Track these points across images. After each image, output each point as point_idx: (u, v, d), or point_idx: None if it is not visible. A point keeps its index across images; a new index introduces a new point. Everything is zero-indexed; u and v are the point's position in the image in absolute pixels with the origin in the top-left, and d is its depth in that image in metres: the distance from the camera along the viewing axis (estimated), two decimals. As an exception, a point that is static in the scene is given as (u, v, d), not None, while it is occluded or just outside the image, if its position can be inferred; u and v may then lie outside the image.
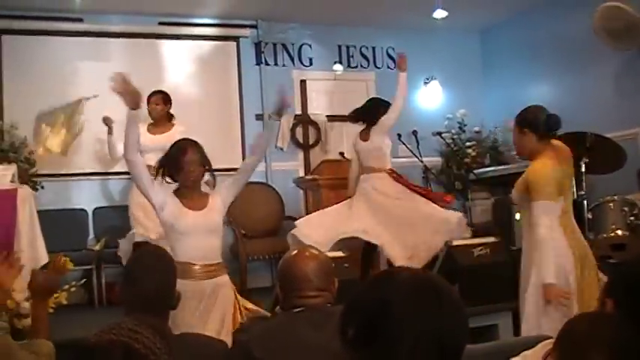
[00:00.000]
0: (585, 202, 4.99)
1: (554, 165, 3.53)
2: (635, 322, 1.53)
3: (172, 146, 3.70)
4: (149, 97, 5.87)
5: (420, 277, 1.34)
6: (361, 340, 1.27)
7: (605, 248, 5.09)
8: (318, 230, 5.27)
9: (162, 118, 5.89)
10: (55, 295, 3.44)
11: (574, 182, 3.79)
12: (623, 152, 5.10)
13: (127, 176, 6.23)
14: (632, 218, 5.09)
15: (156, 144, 5.59)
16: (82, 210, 6.86)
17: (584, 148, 4.84)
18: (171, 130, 5.81)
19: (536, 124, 3.61)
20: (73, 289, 3.68)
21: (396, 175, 5.53)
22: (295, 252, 2.39)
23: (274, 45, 7.99)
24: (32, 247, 4.29)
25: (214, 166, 7.67)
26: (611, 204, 5.15)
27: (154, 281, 2.30)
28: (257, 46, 7.90)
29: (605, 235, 5.06)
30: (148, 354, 1.21)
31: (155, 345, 1.30)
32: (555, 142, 3.67)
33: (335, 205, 5.67)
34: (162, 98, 5.90)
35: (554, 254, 3.39)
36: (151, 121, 5.87)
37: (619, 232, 5.07)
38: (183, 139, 3.80)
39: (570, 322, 1.64)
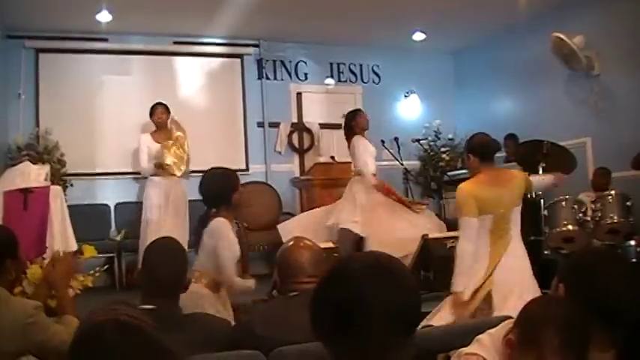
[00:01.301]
0: (542, 201, 5.03)
1: (475, 186, 3.49)
2: (582, 303, 1.56)
3: (223, 177, 3.61)
4: (153, 109, 6.10)
5: (374, 261, 1.30)
6: (334, 332, 1.25)
7: (558, 241, 5.12)
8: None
9: (165, 126, 6.07)
10: (82, 279, 3.44)
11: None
12: (574, 158, 5.13)
13: (143, 176, 6.27)
14: (580, 215, 5.12)
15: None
16: (105, 205, 6.85)
17: (541, 154, 4.88)
18: (173, 136, 6.07)
19: (473, 149, 3.59)
20: (97, 274, 3.68)
21: None
22: (292, 243, 2.39)
23: (274, 62, 8.00)
24: (63, 237, 4.30)
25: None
26: (564, 203, 5.17)
27: (168, 269, 2.30)
28: (259, 62, 7.91)
29: (558, 230, 5.09)
30: (132, 320, 1.20)
31: (135, 312, 1.30)
32: (503, 166, 3.61)
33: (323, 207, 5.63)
34: (165, 109, 6.11)
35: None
36: (154, 129, 6.09)
37: (569, 227, 5.08)
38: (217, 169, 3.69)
39: (528, 304, 1.67)
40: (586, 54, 6.44)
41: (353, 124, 5.66)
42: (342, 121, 6.30)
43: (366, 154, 5.42)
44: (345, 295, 1.23)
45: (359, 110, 6.03)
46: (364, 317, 1.20)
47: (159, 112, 6.08)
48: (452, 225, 6.77)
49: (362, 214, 5.27)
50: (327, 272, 1.33)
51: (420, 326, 1.75)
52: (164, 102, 6.18)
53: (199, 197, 3.60)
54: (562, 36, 6.34)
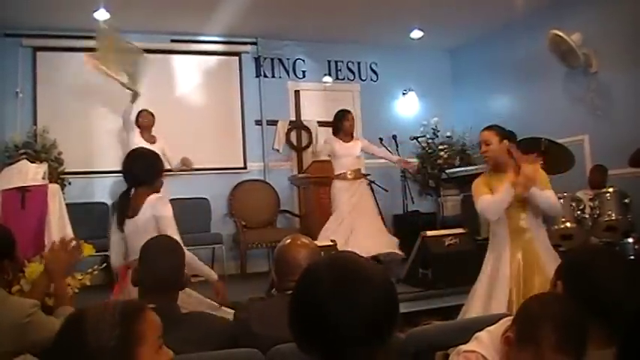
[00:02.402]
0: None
1: None
2: (579, 301, 1.56)
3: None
4: (140, 112, 6.37)
5: (342, 269, 1.28)
6: (308, 341, 1.26)
7: (556, 238, 5.10)
8: None
9: (150, 128, 6.36)
10: (80, 277, 3.44)
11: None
12: (572, 155, 5.13)
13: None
14: (578, 212, 5.11)
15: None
16: (103, 203, 6.84)
17: (539, 151, 4.86)
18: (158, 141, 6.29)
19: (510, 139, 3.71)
20: (95, 272, 3.67)
21: None
22: (289, 241, 2.39)
23: (272, 60, 7.99)
24: (61, 235, 4.28)
25: (218, 165, 7.78)
26: (562, 200, 5.13)
27: (166, 265, 2.30)
28: (257, 60, 7.90)
29: (556, 227, 5.07)
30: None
31: None
32: None
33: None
34: (150, 114, 6.38)
35: None
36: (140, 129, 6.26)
37: (568, 224, 5.08)
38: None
39: (526, 301, 1.68)
40: (583, 51, 6.43)
41: (340, 127, 5.99)
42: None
43: (333, 158, 5.95)
44: (312, 309, 1.23)
45: (346, 113, 6.09)
46: (333, 328, 1.20)
47: (144, 114, 6.33)
48: (449, 223, 6.82)
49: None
50: (297, 281, 1.32)
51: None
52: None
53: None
54: (560, 33, 6.34)
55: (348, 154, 5.90)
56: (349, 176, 5.83)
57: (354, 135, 6.09)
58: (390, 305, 1.26)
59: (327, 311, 1.20)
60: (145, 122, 6.32)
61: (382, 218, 6.30)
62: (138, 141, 6.14)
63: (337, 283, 1.23)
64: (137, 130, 6.29)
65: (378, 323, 1.22)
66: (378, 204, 7.10)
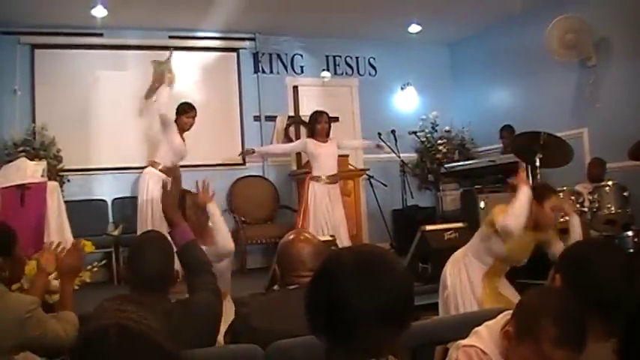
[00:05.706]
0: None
1: None
2: (579, 294, 1.57)
3: None
4: (189, 109, 5.87)
5: (360, 260, 1.32)
6: (324, 328, 1.30)
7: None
8: None
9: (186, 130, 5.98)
10: (80, 274, 3.44)
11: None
12: (571, 149, 5.12)
13: (139, 170, 6.21)
14: (577, 205, 5.12)
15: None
16: (103, 200, 6.84)
17: (538, 145, 4.86)
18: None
19: None
20: (95, 269, 3.68)
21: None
22: (292, 236, 2.39)
23: (270, 55, 7.96)
24: (60, 233, 4.30)
25: (217, 161, 7.75)
26: (561, 193, 5.15)
27: (155, 264, 2.25)
28: (255, 56, 7.88)
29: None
30: (138, 325, 1.19)
31: (143, 317, 1.29)
32: None
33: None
34: (195, 115, 5.93)
35: None
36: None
37: (567, 218, 5.09)
38: None
39: (525, 295, 1.68)
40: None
41: (314, 129, 6.16)
42: (339, 115, 6.35)
43: (311, 158, 6.15)
44: (331, 296, 1.27)
45: (319, 115, 6.19)
46: (350, 317, 1.24)
47: (193, 115, 5.86)
48: (449, 217, 6.83)
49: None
50: (317, 270, 1.37)
51: None
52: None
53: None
54: (576, 15, 6.22)
55: (325, 154, 5.95)
56: (325, 180, 5.97)
57: (330, 135, 6.20)
58: (407, 296, 1.30)
59: (347, 291, 1.24)
60: (188, 124, 5.85)
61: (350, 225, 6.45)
62: (178, 140, 5.78)
63: (361, 266, 1.28)
64: (175, 128, 5.80)
65: (393, 311, 1.26)
66: (377, 200, 7.14)
